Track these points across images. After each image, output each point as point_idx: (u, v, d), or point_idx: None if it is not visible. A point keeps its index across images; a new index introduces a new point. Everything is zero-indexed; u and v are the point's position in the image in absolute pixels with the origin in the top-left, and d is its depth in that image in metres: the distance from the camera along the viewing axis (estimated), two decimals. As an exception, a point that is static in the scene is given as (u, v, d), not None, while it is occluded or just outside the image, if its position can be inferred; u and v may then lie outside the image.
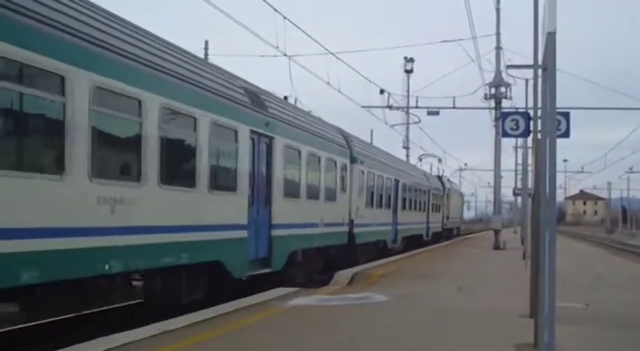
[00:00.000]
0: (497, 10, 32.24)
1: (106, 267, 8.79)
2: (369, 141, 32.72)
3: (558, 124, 12.66)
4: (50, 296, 8.61)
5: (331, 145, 19.33)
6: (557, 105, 5.29)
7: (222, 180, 12.23)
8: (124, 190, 9.16)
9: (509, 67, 28.56)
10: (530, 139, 18.37)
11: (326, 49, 25.81)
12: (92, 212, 8.46)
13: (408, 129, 52.46)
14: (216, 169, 11.92)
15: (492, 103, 32.36)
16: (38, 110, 7.89)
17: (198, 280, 11.79)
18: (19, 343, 9.63)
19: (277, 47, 20.85)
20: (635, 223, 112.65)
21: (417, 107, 38.57)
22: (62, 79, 7.97)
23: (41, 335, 9.90)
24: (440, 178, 48.39)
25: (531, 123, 16.48)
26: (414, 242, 32.88)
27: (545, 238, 5.40)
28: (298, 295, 12.10)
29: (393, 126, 45.48)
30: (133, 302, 12.35)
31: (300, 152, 16.34)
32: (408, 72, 53.25)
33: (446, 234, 46.71)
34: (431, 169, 54.36)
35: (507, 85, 31.60)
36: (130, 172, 9.56)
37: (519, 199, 39.95)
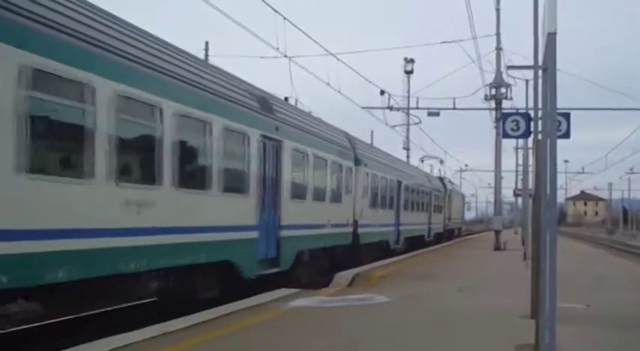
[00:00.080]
0: (498, 10, 32.24)
1: (128, 266, 9.29)
2: (369, 142, 32.84)
3: (559, 124, 12.68)
4: (77, 294, 9.01)
5: (336, 148, 19.73)
6: (558, 105, 5.29)
7: (233, 182, 12.61)
8: (144, 193, 9.64)
9: (509, 67, 28.49)
10: (530, 139, 18.38)
11: (326, 50, 25.84)
12: (117, 214, 8.99)
13: (408, 130, 52.47)
14: (228, 171, 12.30)
15: (493, 104, 32.34)
16: (74, 120, 8.43)
17: (210, 279, 12.16)
18: (19, 343, 9.64)
19: (277, 48, 20.89)
20: (635, 224, 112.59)
21: (417, 108, 38.61)
22: (93, 89, 8.50)
23: (41, 336, 9.90)
24: (441, 179, 48.60)
25: (532, 124, 16.50)
26: (416, 243, 33.17)
27: (545, 239, 5.39)
28: (299, 296, 12.09)
29: (393, 127, 45.52)
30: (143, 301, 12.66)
31: (306, 155, 16.77)
32: (408, 73, 53.23)
33: (447, 235, 46.94)
34: (431, 170, 54.42)
35: (508, 86, 31.59)
36: (149, 176, 9.95)
37: (520, 199, 39.95)
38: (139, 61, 9.68)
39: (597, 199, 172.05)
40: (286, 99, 22.00)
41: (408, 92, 48.78)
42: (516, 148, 46.10)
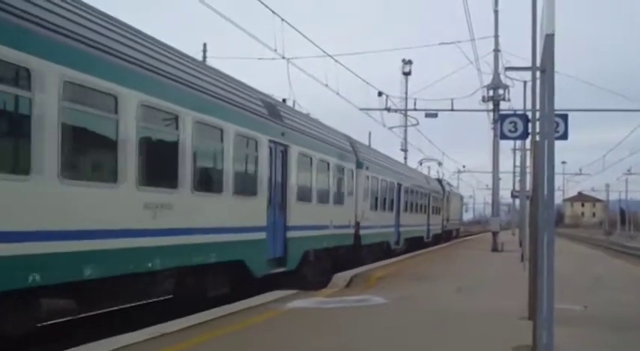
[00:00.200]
0: (496, 12, 32.28)
1: (149, 265, 9.91)
2: (367, 143, 32.94)
3: (556, 126, 12.68)
4: (105, 290, 9.58)
5: (339, 152, 20.41)
6: (556, 107, 5.29)
7: (244, 185, 13.27)
8: (164, 196, 10.27)
9: (507, 69, 28.54)
10: (528, 141, 18.39)
11: (324, 51, 25.80)
12: (140, 216, 9.62)
13: (406, 131, 52.58)
14: (239, 175, 12.97)
15: (491, 106, 32.38)
16: (103, 129, 9.12)
17: (222, 278, 12.81)
18: (19, 343, 9.65)
19: (275, 50, 20.89)
20: (633, 225, 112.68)
21: (415, 109, 38.59)
22: (115, 98, 9.07)
23: (42, 336, 9.90)
24: (440, 181, 48.81)
25: (529, 125, 16.51)
26: (415, 243, 33.58)
27: (543, 240, 5.41)
28: (296, 297, 12.11)
29: (391, 128, 45.48)
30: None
31: (311, 159, 17.48)
32: (406, 74, 53.32)
33: (445, 236, 47.08)
34: (429, 171, 54.48)
35: (506, 88, 31.62)
36: (168, 180, 10.54)
37: (517, 201, 39.98)
38: (161, 73, 10.35)
39: (595, 201, 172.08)
40: (284, 100, 22.02)
41: (406, 93, 48.90)
42: (514, 150, 46.29)
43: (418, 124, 47.06)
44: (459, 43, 39.59)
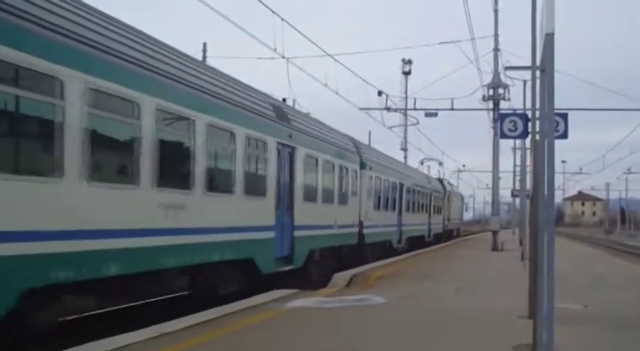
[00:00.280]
0: (496, 11, 32.32)
1: (166, 263, 10.46)
2: (367, 143, 33.00)
3: (556, 125, 12.67)
4: (126, 287, 10.12)
5: (343, 153, 20.98)
6: (556, 106, 5.28)
7: (254, 186, 13.80)
8: (179, 197, 10.77)
9: (507, 68, 28.43)
10: (528, 140, 18.38)
11: (324, 51, 25.87)
12: (157, 216, 10.13)
13: (406, 131, 52.60)
14: (249, 176, 13.50)
15: (490, 105, 32.40)
16: (124, 134, 9.64)
17: (234, 275, 13.39)
18: (19, 343, 9.65)
19: (275, 49, 20.89)
20: (633, 224, 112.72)
21: (415, 109, 38.64)
22: (135, 104, 9.60)
23: (40, 336, 9.90)
24: (441, 180, 48.95)
25: (529, 124, 16.49)
26: (417, 243, 33.93)
27: (543, 239, 5.40)
28: (296, 297, 12.11)
29: (391, 128, 45.47)
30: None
31: (317, 160, 18.05)
32: (406, 74, 53.29)
33: (446, 235, 47.26)
34: (429, 170, 54.48)
35: (505, 87, 31.66)
36: (183, 181, 11.06)
37: (517, 200, 39.96)
38: (177, 80, 10.88)
39: (595, 200, 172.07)
40: (284, 100, 22.01)
41: (406, 93, 48.88)
42: (514, 149, 46.26)
43: (418, 123, 47.13)
44: (458, 43, 39.75)
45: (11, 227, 7.36)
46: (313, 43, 24.09)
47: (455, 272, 18.64)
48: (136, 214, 9.66)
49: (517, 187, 38.16)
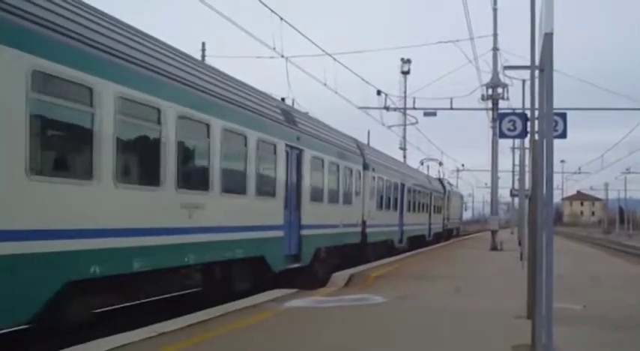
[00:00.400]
0: (495, 10, 32.32)
1: (185, 259, 11.07)
2: (365, 142, 33.04)
3: (555, 124, 12.71)
4: (146, 283, 10.65)
5: (347, 154, 21.68)
6: (554, 106, 5.28)
7: (265, 187, 14.49)
8: (198, 197, 11.42)
9: (506, 68, 28.58)
10: (527, 139, 18.39)
11: (323, 50, 25.90)
12: (178, 216, 10.75)
13: (405, 130, 52.64)
14: (261, 177, 14.16)
15: (490, 104, 32.42)
16: (149, 138, 10.22)
17: (246, 272, 14.02)
18: (18, 343, 9.67)
19: (274, 48, 20.91)
20: (632, 224, 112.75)
21: (414, 108, 38.73)
22: (159, 111, 10.23)
23: (40, 336, 9.91)
24: (441, 180, 49.20)
25: (528, 124, 16.49)
26: (417, 242, 34.40)
27: (542, 239, 5.39)
28: (295, 297, 12.13)
29: (390, 127, 45.51)
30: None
31: (323, 161, 18.73)
32: (405, 73, 53.31)
33: (446, 234, 47.50)
34: (428, 170, 54.52)
35: (504, 86, 31.75)
36: (201, 183, 11.70)
37: (516, 199, 39.98)
38: (194, 86, 11.52)
39: (594, 199, 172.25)
40: (283, 99, 22.00)
41: (405, 92, 48.90)
42: (513, 148, 46.31)
43: (417, 122, 47.16)
44: (457, 42, 39.43)
45: (54, 226, 7.99)
46: (312, 42, 24.04)
47: (454, 272, 18.69)
48: (161, 214, 10.32)
49: (516, 186, 38.17)
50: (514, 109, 28.84)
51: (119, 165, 9.21)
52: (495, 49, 31.68)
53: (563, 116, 13.70)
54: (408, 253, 26.95)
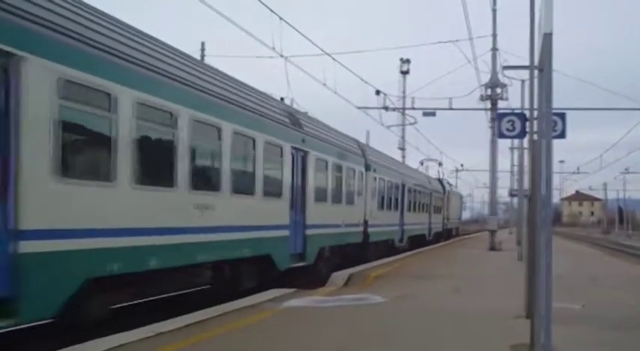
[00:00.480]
0: (494, 11, 32.34)
1: (197, 258, 11.56)
2: (364, 142, 33.04)
3: (554, 125, 12.70)
4: (161, 280, 11.15)
5: (350, 155, 22.22)
6: (554, 106, 5.27)
7: (271, 188, 14.98)
8: (209, 198, 11.86)
9: (505, 68, 28.58)
10: (526, 140, 18.39)
11: (322, 50, 25.86)
12: (190, 215, 11.19)
13: (404, 130, 52.72)
14: (268, 179, 14.68)
15: (489, 104, 32.44)
16: (164, 141, 10.64)
17: (253, 270, 14.47)
18: (18, 343, 9.67)
19: (274, 48, 20.91)
20: (631, 224, 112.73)
21: (413, 108, 38.74)
22: (174, 116, 10.66)
23: (39, 335, 9.91)
24: (440, 181, 49.36)
25: (527, 124, 16.49)
26: (418, 241, 34.80)
27: (541, 239, 5.38)
28: (293, 296, 12.15)
29: (389, 127, 45.48)
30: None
31: (327, 162, 19.27)
32: (404, 73, 53.34)
33: (446, 234, 47.73)
34: (427, 170, 54.55)
35: (503, 86, 31.79)
36: (213, 184, 12.16)
37: (515, 199, 39.98)
38: (206, 91, 11.97)
39: (593, 199, 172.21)
40: (282, 99, 21.98)
41: (404, 92, 48.92)
42: (512, 148, 46.26)
43: (416, 122, 47.17)
44: (456, 42, 39.50)
45: (77, 226, 8.42)
46: (312, 42, 24.03)
47: (452, 271, 18.74)
48: (175, 214, 10.76)
49: (515, 186, 38.14)
50: (513, 109, 28.82)
51: (137, 167, 9.64)
52: (494, 49, 31.74)
53: (563, 116, 13.68)
54: (407, 253, 27.13)
